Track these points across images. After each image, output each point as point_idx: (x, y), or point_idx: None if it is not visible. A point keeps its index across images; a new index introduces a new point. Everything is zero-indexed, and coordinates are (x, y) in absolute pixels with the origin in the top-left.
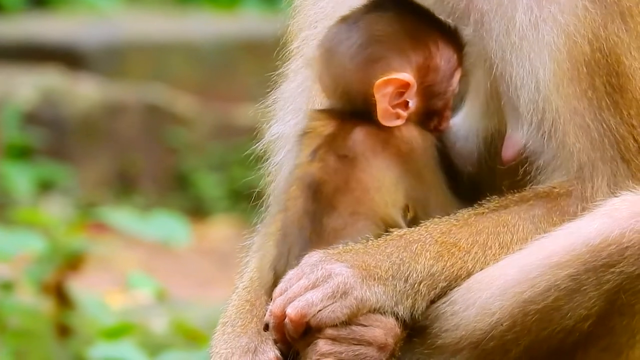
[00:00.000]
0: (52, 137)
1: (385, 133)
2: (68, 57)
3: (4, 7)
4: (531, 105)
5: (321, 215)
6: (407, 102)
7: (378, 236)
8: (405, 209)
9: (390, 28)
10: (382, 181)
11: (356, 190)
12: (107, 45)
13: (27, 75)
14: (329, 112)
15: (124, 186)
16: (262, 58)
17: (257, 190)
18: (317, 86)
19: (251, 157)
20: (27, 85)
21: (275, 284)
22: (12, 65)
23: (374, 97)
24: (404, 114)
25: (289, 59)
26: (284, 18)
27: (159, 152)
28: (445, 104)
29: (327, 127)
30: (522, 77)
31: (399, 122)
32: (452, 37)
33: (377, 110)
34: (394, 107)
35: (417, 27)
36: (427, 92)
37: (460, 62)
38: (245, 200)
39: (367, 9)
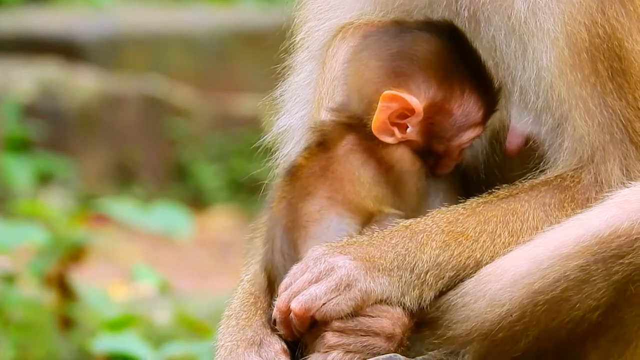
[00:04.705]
0: (51, 130)
1: (375, 144)
2: (66, 50)
3: (3, 1)
4: (535, 93)
5: (297, 200)
6: (407, 127)
7: (356, 229)
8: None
9: (430, 54)
10: (356, 175)
11: (330, 177)
12: (105, 37)
13: (26, 68)
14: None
15: (123, 178)
16: (259, 49)
17: (259, 181)
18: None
19: (250, 147)
20: (25, 78)
21: (269, 281)
22: (11, 58)
23: (377, 105)
24: (399, 135)
25: (294, 51)
26: (283, 10)
27: (157, 143)
28: (447, 151)
29: (326, 128)
30: (524, 65)
31: (390, 140)
32: (487, 94)
33: (374, 119)
34: (392, 123)
35: (456, 67)
36: (429, 130)
37: (484, 121)
38: (245, 190)
39: (422, 25)
